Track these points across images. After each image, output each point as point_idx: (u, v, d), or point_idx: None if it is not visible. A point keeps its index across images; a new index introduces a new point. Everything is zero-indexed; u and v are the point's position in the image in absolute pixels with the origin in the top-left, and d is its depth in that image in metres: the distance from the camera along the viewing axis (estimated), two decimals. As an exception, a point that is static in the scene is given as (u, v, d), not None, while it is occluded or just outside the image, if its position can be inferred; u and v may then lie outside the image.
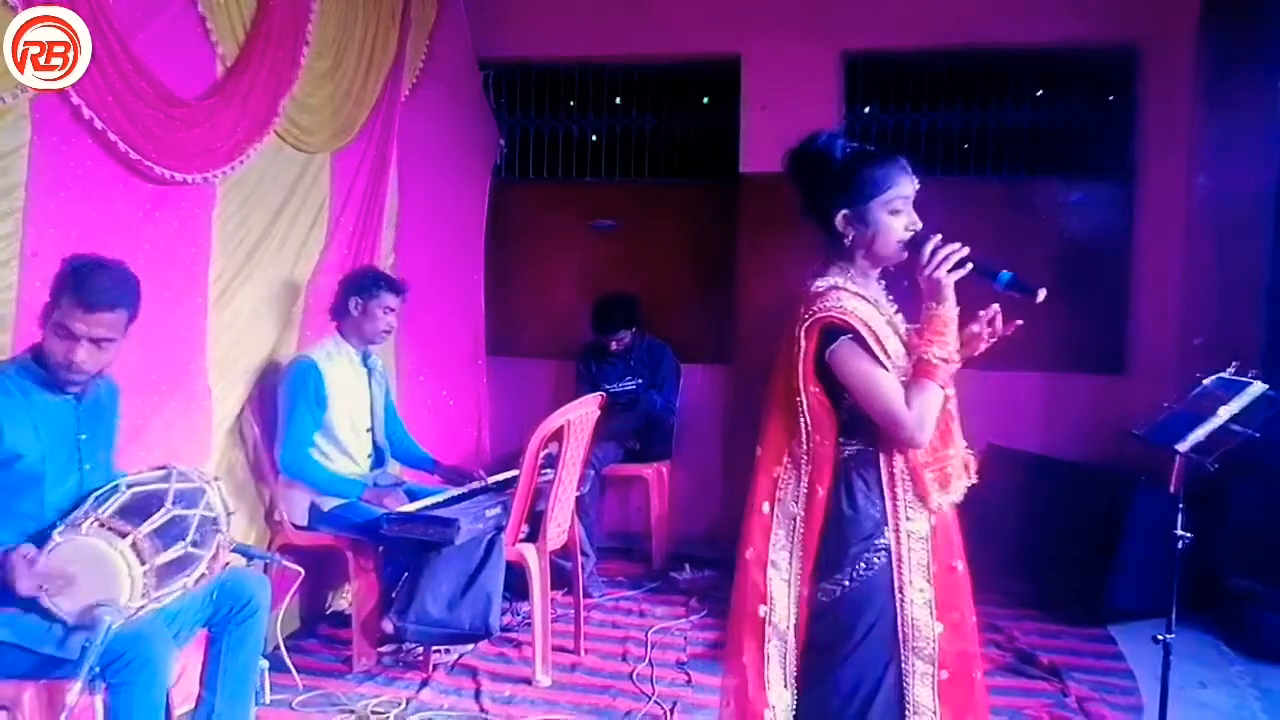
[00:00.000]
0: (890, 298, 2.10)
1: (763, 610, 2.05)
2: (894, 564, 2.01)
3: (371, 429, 3.74)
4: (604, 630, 4.05)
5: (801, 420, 2.02)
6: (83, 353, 2.27)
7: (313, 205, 3.81)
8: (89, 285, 2.25)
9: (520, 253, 5.46)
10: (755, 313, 5.13)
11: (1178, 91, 4.65)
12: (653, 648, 3.85)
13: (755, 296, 5.12)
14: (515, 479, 3.53)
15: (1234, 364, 2.95)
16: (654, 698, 3.40)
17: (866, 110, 5.18)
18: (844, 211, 2.00)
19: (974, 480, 2.07)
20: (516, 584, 3.65)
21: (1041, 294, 1.94)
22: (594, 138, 5.51)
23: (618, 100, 5.46)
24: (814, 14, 4.97)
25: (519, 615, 3.97)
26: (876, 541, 2.01)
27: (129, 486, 2.31)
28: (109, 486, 2.32)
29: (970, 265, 1.96)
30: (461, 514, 3.30)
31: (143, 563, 2.20)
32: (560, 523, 3.65)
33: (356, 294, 3.62)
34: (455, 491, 3.66)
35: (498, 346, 5.41)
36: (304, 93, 3.58)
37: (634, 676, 3.59)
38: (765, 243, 5.09)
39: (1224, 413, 2.77)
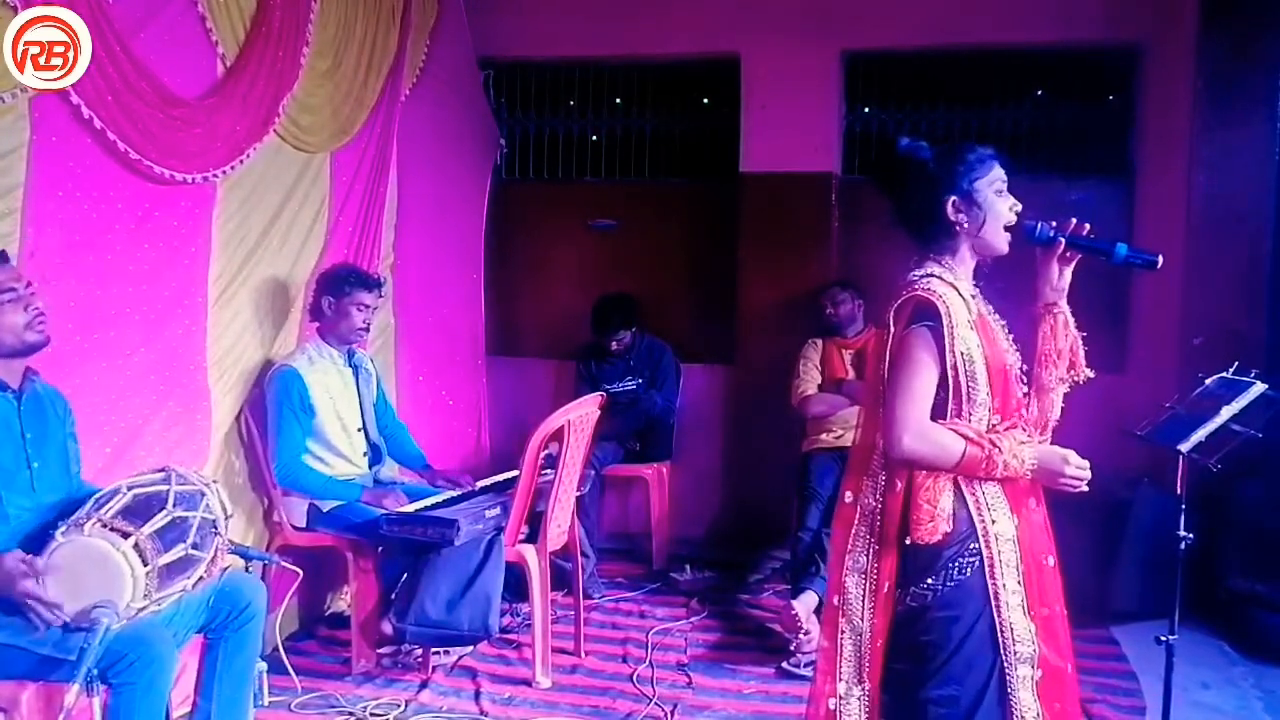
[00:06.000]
0: (984, 297, 2.09)
1: (836, 600, 2.08)
2: (985, 568, 1.99)
3: (364, 428, 3.72)
4: (604, 631, 4.05)
5: (883, 411, 2.01)
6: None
7: (312, 205, 3.80)
8: None
9: (520, 253, 5.45)
10: (755, 313, 5.12)
11: (1178, 91, 4.63)
12: (653, 649, 3.85)
13: (755, 296, 5.12)
14: (515, 479, 3.52)
15: (1235, 364, 2.94)
16: (654, 699, 3.40)
17: (866, 110, 5.17)
18: (953, 198, 2.00)
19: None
20: (516, 585, 3.64)
21: (1159, 261, 2.01)
22: (594, 138, 5.50)
23: (618, 100, 5.45)
24: (814, 14, 4.96)
25: (518, 616, 3.97)
26: (970, 545, 1.99)
27: (129, 488, 2.30)
28: (110, 488, 2.31)
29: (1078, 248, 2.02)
30: (461, 515, 3.29)
31: (145, 564, 2.19)
32: (560, 523, 3.65)
33: (329, 293, 3.58)
34: (454, 492, 3.65)
35: (498, 346, 5.40)
36: (304, 93, 3.57)
37: (634, 678, 3.59)
38: (765, 243, 5.08)
39: (1225, 413, 2.76)
